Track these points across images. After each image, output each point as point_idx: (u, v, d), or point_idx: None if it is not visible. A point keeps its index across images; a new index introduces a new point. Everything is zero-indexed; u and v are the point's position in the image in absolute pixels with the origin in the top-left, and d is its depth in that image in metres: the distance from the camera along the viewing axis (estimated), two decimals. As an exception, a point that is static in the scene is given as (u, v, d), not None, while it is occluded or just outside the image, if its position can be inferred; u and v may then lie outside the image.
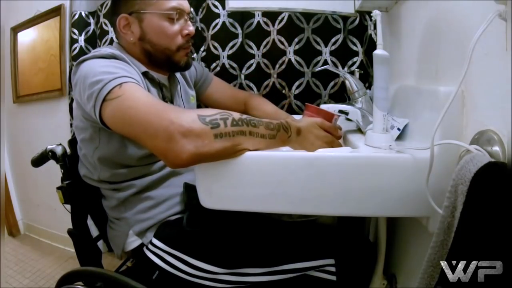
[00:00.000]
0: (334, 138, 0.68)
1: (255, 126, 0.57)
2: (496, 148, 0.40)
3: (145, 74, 0.76)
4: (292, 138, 0.63)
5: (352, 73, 0.90)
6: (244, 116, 0.56)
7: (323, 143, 0.65)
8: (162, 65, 0.81)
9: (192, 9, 0.96)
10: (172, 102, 0.84)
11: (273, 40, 1.09)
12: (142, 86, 0.65)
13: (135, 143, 0.71)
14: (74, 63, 0.70)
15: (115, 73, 0.62)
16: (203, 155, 0.52)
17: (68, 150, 0.83)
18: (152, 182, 0.76)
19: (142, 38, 0.76)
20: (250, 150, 0.55)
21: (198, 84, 1.00)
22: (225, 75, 1.09)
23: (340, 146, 0.70)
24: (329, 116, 0.72)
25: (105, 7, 1.22)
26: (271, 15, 1.08)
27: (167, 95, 0.83)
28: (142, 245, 0.74)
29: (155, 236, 0.73)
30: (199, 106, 1.03)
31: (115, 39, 0.83)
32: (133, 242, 0.75)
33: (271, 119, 0.61)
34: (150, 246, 0.72)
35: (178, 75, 0.90)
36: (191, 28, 0.79)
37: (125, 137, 0.69)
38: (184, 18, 0.78)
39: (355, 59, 1.08)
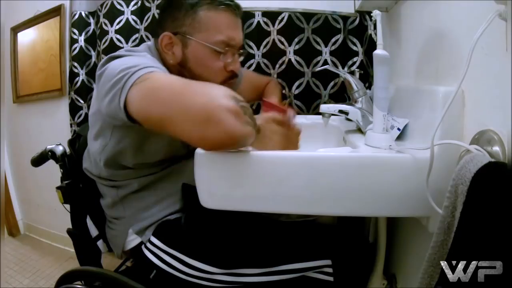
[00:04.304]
0: (289, 131, 0.64)
1: (254, 121, 0.55)
2: (496, 148, 0.40)
3: None
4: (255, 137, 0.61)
5: (352, 73, 0.90)
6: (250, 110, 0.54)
7: (279, 136, 0.63)
8: None
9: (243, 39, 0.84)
10: None
11: (273, 40, 1.09)
12: None
13: (147, 148, 0.69)
14: (104, 58, 0.65)
15: (150, 64, 0.59)
16: (243, 136, 0.49)
17: (67, 150, 0.83)
18: (152, 181, 0.75)
19: (182, 64, 0.72)
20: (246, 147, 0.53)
21: None
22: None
23: (297, 139, 0.67)
24: (282, 111, 0.71)
25: (105, 7, 1.22)
26: (271, 15, 1.08)
27: None
28: (141, 243, 0.74)
29: (153, 235, 0.73)
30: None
31: (152, 40, 0.77)
32: (132, 241, 0.75)
33: None
34: (148, 245, 0.72)
35: None
36: (237, 66, 0.74)
37: (138, 141, 0.67)
38: (231, 52, 0.72)
39: (355, 59, 1.08)
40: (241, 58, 0.77)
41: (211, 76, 0.71)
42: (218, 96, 0.49)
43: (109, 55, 0.65)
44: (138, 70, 0.56)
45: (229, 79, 0.75)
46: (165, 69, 0.68)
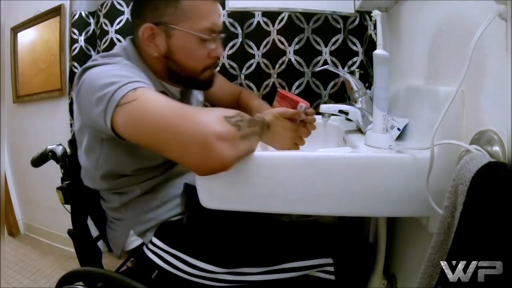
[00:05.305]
0: (298, 126, 0.66)
1: (255, 125, 0.57)
2: (496, 148, 0.40)
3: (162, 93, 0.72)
4: (264, 133, 0.63)
5: (352, 73, 0.90)
6: (248, 116, 0.56)
7: (289, 132, 0.65)
8: (185, 84, 0.77)
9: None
10: None
11: (273, 40, 1.09)
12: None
13: (143, 152, 0.68)
14: (79, 70, 0.63)
15: (130, 77, 0.57)
16: (236, 158, 0.50)
17: (68, 150, 0.83)
18: (154, 185, 0.75)
19: (167, 56, 0.69)
20: None
21: None
22: (225, 75, 1.09)
23: (308, 132, 0.68)
24: (294, 104, 0.71)
25: (105, 7, 1.22)
26: (271, 15, 1.08)
27: None
28: (142, 244, 0.74)
29: (155, 235, 0.73)
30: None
31: (126, 40, 0.74)
32: (133, 241, 0.75)
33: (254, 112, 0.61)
34: (150, 246, 0.72)
35: None
36: (221, 51, 0.73)
37: (132, 147, 0.65)
38: (216, 38, 0.71)
39: (355, 59, 1.08)
40: (225, 49, 0.76)
41: (197, 64, 0.71)
42: (210, 122, 0.48)
43: (83, 67, 0.63)
44: (120, 87, 0.54)
45: (213, 66, 0.75)
46: (145, 77, 0.65)
